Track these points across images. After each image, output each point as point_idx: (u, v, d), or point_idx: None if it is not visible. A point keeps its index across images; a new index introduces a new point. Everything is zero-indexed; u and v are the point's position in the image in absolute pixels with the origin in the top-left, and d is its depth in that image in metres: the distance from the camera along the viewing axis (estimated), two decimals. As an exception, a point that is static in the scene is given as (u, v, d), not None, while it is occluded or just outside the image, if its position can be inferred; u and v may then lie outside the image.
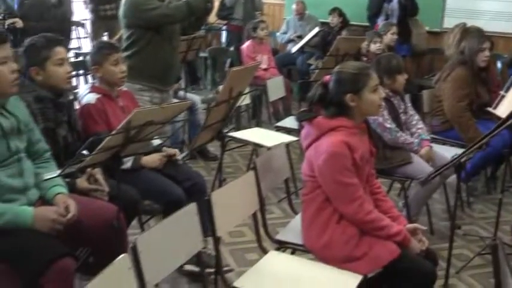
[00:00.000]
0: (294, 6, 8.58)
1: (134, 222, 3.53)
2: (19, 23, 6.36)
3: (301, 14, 8.54)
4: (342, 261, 2.77)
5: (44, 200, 2.75)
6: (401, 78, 4.05)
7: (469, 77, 4.69)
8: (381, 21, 7.19)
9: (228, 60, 7.75)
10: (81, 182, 3.06)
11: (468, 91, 4.68)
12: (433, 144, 4.19)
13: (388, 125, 3.95)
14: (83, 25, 8.95)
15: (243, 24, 8.09)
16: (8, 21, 6.25)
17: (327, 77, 2.91)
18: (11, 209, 2.51)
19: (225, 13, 8.51)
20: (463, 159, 3.03)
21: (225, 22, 8.93)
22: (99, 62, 3.53)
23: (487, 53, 4.69)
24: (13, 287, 2.66)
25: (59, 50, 3.10)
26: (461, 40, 4.82)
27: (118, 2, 7.79)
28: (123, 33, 4.44)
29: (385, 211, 2.92)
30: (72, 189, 2.91)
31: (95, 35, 7.85)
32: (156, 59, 4.23)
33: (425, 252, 2.81)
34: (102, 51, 3.55)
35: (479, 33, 4.81)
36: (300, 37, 8.34)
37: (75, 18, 8.30)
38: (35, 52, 3.06)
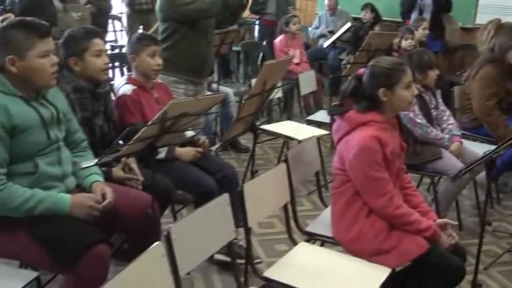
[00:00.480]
0: (326, 1, 8.53)
1: (167, 212, 3.57)
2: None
3: (333, 9, 8.49)
4: (370, 254, 2.76)
5: (81, 188, 2.79)
6: (433, 74, 4.02)
7: (498, 75, 4.61)
8: (413, 17, 7.12)
9: (261, 54, 7.75)
10: (117, 171, 3.09)
11: (496, 89, 4.60)
12: (463, 140, 4.15)
13: (419, 120, 3.92)
14: (119, 18, 9.02)
15: (275, 19, 8.07)
16: (1, 17, 6.28)
17: (362, 70, 2.90)
18: (50, 196, 2.55)
19: (258, 8, 8.50)
20: (494, 156, 3.00)
21: (258, 17, 8.93)
22: (137, 52, 3.55)
23: None
24: (51, 271, 2.73)
25: (97, 41, 3.14)
26: (494, 36, 4.75)
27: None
28: (159, 26, 4.46)
29: (414, 206, 2.90)
30: (108, 178, 2.95)
31: (131, 28, 7.91)
32: (191, 53, 4.24)
33: (454, 248, 2.80)
34: (141, 42, 3.58)
35: (511, 30, 4.73)
36: (332, 32, 8.29)
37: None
38: (74, 43, 3.10)
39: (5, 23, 2.59)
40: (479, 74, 4.66)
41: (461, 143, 4.05)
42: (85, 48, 3.09)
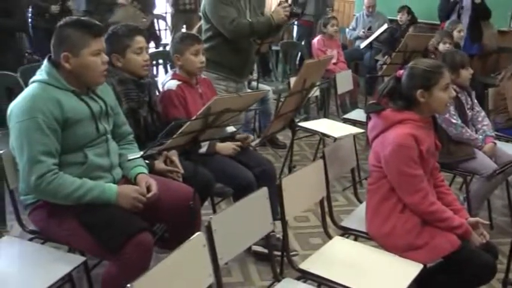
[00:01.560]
0: (365, 1, 8.45)
1: (206, 203, 3.59)
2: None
3: (371, 9, 8.41)
4: (403, 250, 2.75)
5: (127, 179, 2.83)
6: (466, 73, 3.96)
7: None
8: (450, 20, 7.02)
9: (299, 54, 7.73)
10: (159, 164, 3.12)
11: None
12: (496, 141, 4.10)
13: (454, 121, 3.88)
14: (164, 18, 9.10)
15: (314, 20, 8.05)
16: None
17: (400, 71, 2.88)
18: (99, 185, 2.60)
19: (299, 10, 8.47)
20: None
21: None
22: (181, 51, 3.57)
23: None
24: (97, 256, 2.77)
25: (139, 39, 3.17)
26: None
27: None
28: (203, 26, 4.47)
29: (447, 203, 2.87)
30: (151, 170, 2.98)
31: (174, 27, 7.98)
32: (232, 55, 4.21)
33: (485, 246, 2.76)
34: (184, 42, 3.59)
35: None
36: (370, 29, 8.23)
37: (156, 11, 8.48)
38: (117, 40, 3.14)
39: (62, 22, 2.63)
40: None
41: (494, 144, 3.99)
42: (127, 45, 3.13)
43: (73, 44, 2.56)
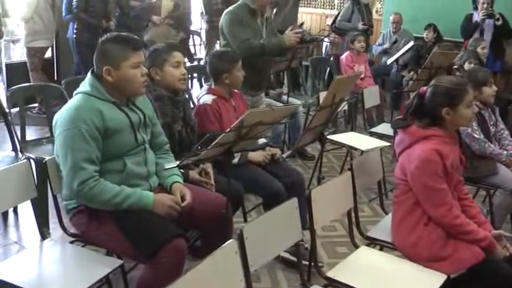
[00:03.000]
0: (391, 18, 8.42)
1: (238, 213, 3.59)
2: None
3: (396, 25, 8.36)
4: (427, 260, 2.71)
5: (162, 187, 2.85)
6: (489, 90, 3.89)
7: None
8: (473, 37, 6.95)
9: (327, 69, 7.71)
10: (193, 174, 3.14)
11: None
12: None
13: (477, 136, 3.83)
14: (198, 34, 9.17)
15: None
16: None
17: (424, 89, 2.85)
18: (136, 192, 2.62)
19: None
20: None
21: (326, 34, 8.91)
22: (229, 70, 3.60)
23: None
24: (133, 260, 2.79)
25: (177, 54, 3.21)
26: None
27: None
28: (221, 40, 4.53)
29: (471, 216, 2.84)
30: (185, 179, 3.00)
31: (209, 43, 8.03)
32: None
33: (509, 259, 2.72)
34: (231, 59, 3.62)
35: None
36: (395, 43, 8.20)
37: (192, 27, 8.56)
38: (156, 55, 3.18)
39: (103, 38, 2.67)
40: None
41: None
42: (165, 59, 3.17)
43: (114, 58, 2.61)
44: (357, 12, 7.73)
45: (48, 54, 7.19)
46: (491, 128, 3.97)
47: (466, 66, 5.53)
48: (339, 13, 8.25)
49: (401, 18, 8.34)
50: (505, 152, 3.89)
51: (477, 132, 3.84)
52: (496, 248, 2.69)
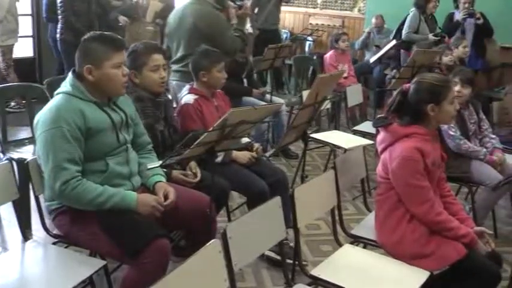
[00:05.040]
0: (373, 20, 8.47)
1: (222, 212, 3.59)
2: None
3: (380, 28, 8.43)
4: (411, 258, 2.73)
5: (145, 187, 2.84)
6: (464, 91, 3.92)
7: None
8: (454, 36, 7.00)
9: (311, 68, 7.73)
10: (176, 173, 3.14)
11: None
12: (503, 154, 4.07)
13: (452, 133, 3.85)
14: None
15: None
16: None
17: (407, 86, 2.87)
18: (119, 192, 2.61)
19: None
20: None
21: (309, 33, 8.93)
22: (208, 68, 3.58)
23: None
24: (117, 260, 2.77)
25: (156, 57, 3.16)
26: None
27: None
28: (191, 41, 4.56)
29: (454, 213, 2.85)
30: (168, 178, 2.99)
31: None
32: None
33: (490, 254, 2.74)
34: (211, 59, 3.61)
35: None
36: (378, 47, 8.23)
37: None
38: (135, 57, 3.15)
39: (86, 36, 2.65)
40: None
41: (503, 155, 3.97)
42: (143, 63, 3.14)
43: (96, 57, 2.59)
44: (423, 22, 7.13)
45: (29, 53, 7.17)
46: (471, 126, 4.00)
47: (444, 60, 5.60)
48: (401, 25, 7.27)
49: (382, 20, 8.38)
50: (484, 150, 3.92)
51: (453, 130, 3.87)
52: (478, 244, 2.71)
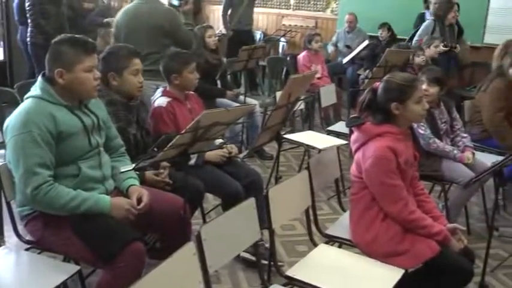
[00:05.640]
0: (346, 17, 8.50)
1: (197, 213, 3.58)
2: None
3: (352, 26, 8.46)
4: (385, 256, 2.75)
5: (119, 191, 2.82)
6: (431, 90, 3.96)
7: (507, 89, 4.60)
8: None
9: (284, 69, 7.75)
10: (150, 174, 3.12)
11: (505, 103, 4.60)
12: (474, 152, 4.12)
13: (421, 131, 3.89)
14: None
15: None
16: None
17: (377, 84, 2.89)
18: (92, 196, 2.58)
19: None
20: (502, 167, 2.97)
21: (282, 34, 8.95)
22: (179, 70, 3.57)
23: None
24: (92, 265, 2.75)
25: (136, 61, 3.17)
26: (503, 54, 4.75)
27: (196, 17, 7.90)
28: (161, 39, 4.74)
29: (427, 211, 2.88)
30: (142, 181, 2.97)
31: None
32: None
33: (463, 251, 2.77)
34: (182, 61, 3.61)
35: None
36: (349, 47, 8.28)
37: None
38: (115, 60, 3.13)
39: (57, 39, 2.62)
40: (489, 87, 4.66)
41: (473, 153, 4.02)
42: (125, 66, 3.12)
43: (67, 60, 2.56)
44: (438, 31, 6.90)
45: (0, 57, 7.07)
46: (442, 125, 4.04)
47: (416, 60, 5.66)
48: (415, 32, 7.13)
49: (355, 18, 8.43)
50: (454, 151, 3.96)
51: (423, 128, 3.91)
52: (451, 241, 2.74)
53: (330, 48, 8.61)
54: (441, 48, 6.58)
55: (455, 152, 3.95)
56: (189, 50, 4.58)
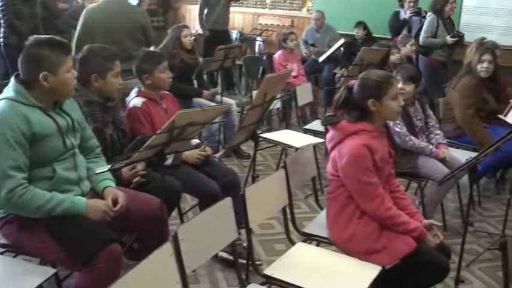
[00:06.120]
0: (313, 15, 8.50)
1: (174, 213, 3.57)
2: None
3: (319, 24, 8.42)
4: (363, 253, 2.77)
5: (95, 192, 2.80)
6: (406, 88, 3.99)
7: (475, 86, 4.67)
8: (401, 34, 7.11)
9: (261, 68, 7.76)
10: (126, 172, 3.10)
11: (475, 99, 4.66)
12: (449, 148, 4.17)
13: (398, 129, 3.93)
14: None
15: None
16: None
17: (352, 82, 2.91)
18: (68, 198, 2.56)
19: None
20: (476, 162, 3.00)
21: (258, 33, 8.96)
22: (150, 71, 3.56)
23: (485, 64, 4.65)
24: (68, 268, 2.73)
25: (118, 63, 3.18)
26: (473, 52, 4.82)
27: (165, 15, 7.87)
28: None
29: (403, 208, 2.91)
30: (118, 182, 2.95)
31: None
32: None
33: (439, 247, 2.80)
34: (152, 61, 3.59)
35: (481, 46, 4.79)
36: (313, 45, 8.26)
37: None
38: (99, 61, 3.12)
39: (32, 42, 2.59)
40: (458, 85, 4.74)
41: (447, 149, 4.07)
42: (109, 68, 3.12)
43: (51, 63, 2.54)
44: (442, 26, 6.85)
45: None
46: (417, 122, 4.08)
47: (392, 58, 5.71)
48: (419, 31, 7.03)
49: (323, 16, 8.41)
50: (430, 147, 4.00)
51: (399, 126, 3.94)
52: (427, 237, 2.77)
53: (302, 47, 8.60)
54: (449, 39, 6.58)
55: (430, 147, 4.00)
56: (157, 48, 4.64)
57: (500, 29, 7.64)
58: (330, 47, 7.88)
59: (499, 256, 3.31)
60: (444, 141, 4.13)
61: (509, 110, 4.26)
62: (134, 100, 3.54)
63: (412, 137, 3.97)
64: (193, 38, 5.80)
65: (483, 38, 5.25)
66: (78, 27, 4.78)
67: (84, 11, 4.83)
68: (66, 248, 2.47)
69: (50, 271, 2.54)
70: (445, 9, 6.73)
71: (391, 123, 3.85)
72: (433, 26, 6.73)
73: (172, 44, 5.38)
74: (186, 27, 5.67)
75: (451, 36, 6.67)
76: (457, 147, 4.64)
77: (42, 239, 2.51)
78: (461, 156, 4.13)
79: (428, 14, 6.88)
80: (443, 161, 3.98)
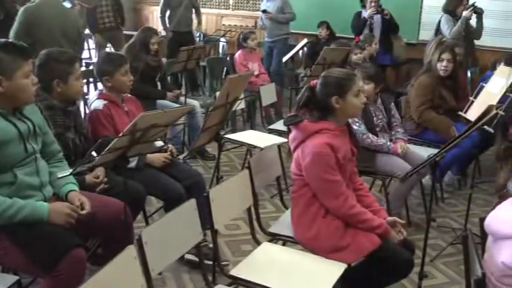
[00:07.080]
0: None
1: (140, 217, 3.54)
2: None
3: None
4: (328, 251, 2.78)
5: (58, 197, 2.76)
6: (366, 87, 4.04)
7: (433, 84, 4.74)
8: (363, 34, 7.19)
9: (224, 69, 7.75)
10: (89, 178, 3.07)
11: (431, 97, 4.74)
12: (410, 145, 4.24)
13: (356, 127, 3.95)
14: (91, 37, 8.92)
15: None
16: None
17: (314, 81, 2.92)
18: (29, 204, 2.52)
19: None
20: (437, 159, 3.04)
21: (222, 34, 8.95)
22: (110, 73, 3.52)
23: (445, 63, 4.73)
24: (31, 274, 2.68)
25: (78, 66, 3.15)
26: (433, 51, 4.89)
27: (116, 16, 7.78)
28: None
29: (367, 205, 2.93)
30: (82, 186, 2.92)
31: (101, 46, 7.82)
32: None
33: (403, 243, 2.84)
34: (113, 63, 3.55)
35: (441, 45, 4.87)
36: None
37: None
38: (58, 66, 3.07)
39: None
40: (415, 83, 4.80)
41: (405, 142, 4.15)
42: (70, 72, 3.08)
43: (6, 68, 2.48)
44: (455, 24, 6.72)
45: None
46: (378, 122, 4.13)
47: (353, 58, 5.76)
48: (437, 29, 6.94)
49: None
50: (388, 143, 4.05)
51: (357, 124, 3.98)
52: (391, 233, 2.80)
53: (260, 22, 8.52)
54: (466, 13, 6.42)
55: (388, 144, 4.04)
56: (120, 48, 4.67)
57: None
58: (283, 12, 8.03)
59: (462, 250, 3.37)
60: (403, 137, 4.19)
61: (469, 107, 4.34)
62: (95, 103, 3.51)
63: (370, 135, 4.01)
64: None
65: (442, 37, 5.32)
66: (15, 27, 4.73)
67: (21, 11, 4.79)
68: (28, 254, 2.43)
69: (11, 278, 2.51)
70: (457, 10, 6.76)
71: (349, 121, 3.88)
72: (451, 21, 6.70)
73: (139, 46, 5.33)
74: (156, 34, 5.63)
75: (474, 11, 6.58)
76: (421, 145, 4.70)
77: (3, 245, 2.47)
78: (424, 153, 4.18)
79: (441, 15, 6.87)
80: (405, 157, 4.03)
